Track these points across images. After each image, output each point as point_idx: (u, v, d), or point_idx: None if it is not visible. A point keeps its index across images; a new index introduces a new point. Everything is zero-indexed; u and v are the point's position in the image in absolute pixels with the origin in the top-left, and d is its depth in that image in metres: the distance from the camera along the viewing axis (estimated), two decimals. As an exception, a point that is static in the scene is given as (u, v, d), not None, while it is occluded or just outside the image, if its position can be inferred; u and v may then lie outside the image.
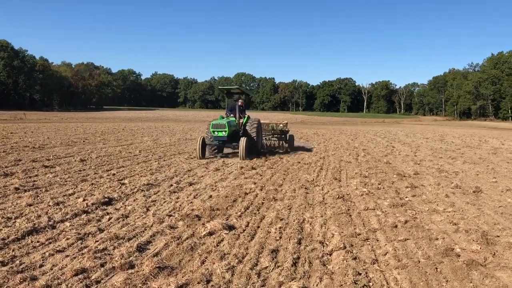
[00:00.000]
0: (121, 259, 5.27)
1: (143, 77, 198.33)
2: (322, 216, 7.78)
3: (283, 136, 20.58)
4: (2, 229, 6.33)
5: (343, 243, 6.07)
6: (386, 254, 5.79)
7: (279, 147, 20.48)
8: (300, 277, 4.94)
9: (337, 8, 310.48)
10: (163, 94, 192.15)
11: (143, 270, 4.94)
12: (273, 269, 5.17)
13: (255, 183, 11.06)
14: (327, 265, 5.34)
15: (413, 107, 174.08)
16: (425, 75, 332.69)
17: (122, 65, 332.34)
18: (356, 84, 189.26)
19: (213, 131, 16.31)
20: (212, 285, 4.62)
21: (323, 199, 9.36)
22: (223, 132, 16.15)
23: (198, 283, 4.65)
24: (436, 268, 5.25)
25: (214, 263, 5.24)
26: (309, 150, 21.11)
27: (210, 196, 9.29)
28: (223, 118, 17.57)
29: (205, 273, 4.90)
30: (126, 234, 6.36)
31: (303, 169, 13.95)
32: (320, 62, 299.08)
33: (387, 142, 27.51)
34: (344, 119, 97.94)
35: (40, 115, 67.90)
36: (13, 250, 5.50)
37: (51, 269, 4.94)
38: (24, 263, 5.10)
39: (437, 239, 6.45)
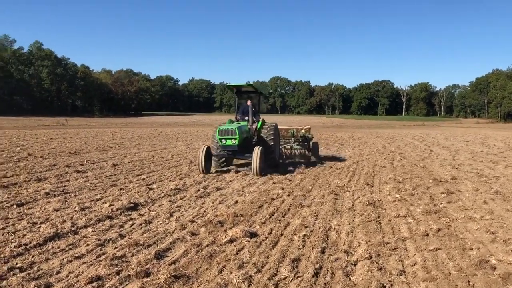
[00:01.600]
0: (138, 266, 5.18)
1: (180, 83, 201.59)
2: (349, 224, 7.48)
3: (305, 143, 17.38)
4: (26, 234, 6.39)
5: (369, 253, 5.77)
6: (414, 265, 5.44)
7: (301, 157, 17.33)
8: (320, 288, 4.69)
9: (374, 8, 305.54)
10: (199, 99, 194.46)
11: (158, 279, 4.82)
12: (292, 279, 4.94)
13: (283, 188, 10.85)
14: (350, 276, 5.07)
15: (454, 109, 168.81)
16: (466, 76, 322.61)
17: (160, 72, 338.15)
18: (394, 86, 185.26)
19: (220, 139, 13.05)
20: (226, 297, 4.45)
21: (353, 205, 9.03)
22: (232, 140, 12.89)
23: (211, 292, 4.49)
24: (469, 281, 4.88)
25: (231, 272, 5.06)
26: (342, 154, 20.65)
27: (236, 202, 9.14)
28: (232, 122, 14.63)
29: (220, 283, 4.73)
30: (146, 240, 6.28)
31: (335, 174, 13.61)
32: (356, 64, 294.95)
33: (425, 145, 26.63)
34: (382, 122, 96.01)
35: (81, 120, 69.98)
36: (33, 256, 5.52)
37: (67, 276, 4.90)
38: (41, 269, 5.08)
39: (471, 249, 6.04)
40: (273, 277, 4.99)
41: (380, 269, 5.24)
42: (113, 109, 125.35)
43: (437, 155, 20.21)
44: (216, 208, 8.55)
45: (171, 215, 7.87)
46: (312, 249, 6.04)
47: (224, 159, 14.42)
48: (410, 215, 8.08)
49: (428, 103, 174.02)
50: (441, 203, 9.14)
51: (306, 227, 7.22)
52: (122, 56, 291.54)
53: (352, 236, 6.72)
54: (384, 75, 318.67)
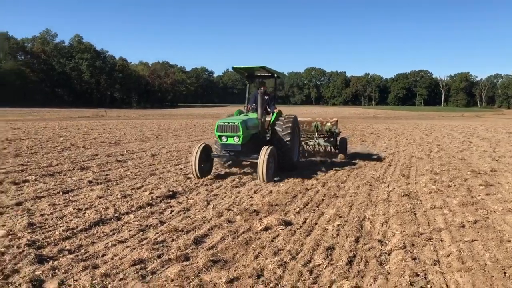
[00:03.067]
0: (178, 251, 5.42)
1: (215, 75, 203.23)
2: (384, 214, 7.51)
3: (331, 139, 15.04)
4: (72, 220, 6.77)
5: (404, 243, 5.81)
6: (449, 255, 5.45)
7: (326, 155, 14.99)
8: (353, 276, 4.79)
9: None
10: (234, 90, 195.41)
11: (197, 263, 5.05)
12: (326, 266, 5.06)
13: (317, 179, 10.92)
14: (384, 265, 5.14)
15: (496, 100, 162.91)
16: (509, 66, 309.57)
17: (196, 63, 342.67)
18: (433, 76, 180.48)
19: (219, 136, 10.52)
20: (262, 280, 4.62)
21: (388, 196, 9.02)
22: (234, 137, 10.33)
23: (249, 277, 4.66)
24: (505, 273, 4.86)
25: (267, 258, 5.23)
26: (378, 145, 20.44)
27: (271, 192, 9.29)
28: (241, 113, 12.24)
29: (256, 268, 4.91)
30: (185, 226, 6.54)
31: (370, 166, 13.54)
32: (393, 54, 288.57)
33: (464, 137, 25.95)
34: (420, 113, 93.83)
35: (119, 112, 71.76)
36: (80, 240, 5.86)
37: (112, 258, 5.20)
38: (88, 252, 5.41)
39: (509, 241, 5.97)
40: (308, 264, 5.12)
41: (414, 259, 5.29)
42: (150, 100, 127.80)
43: (476, 146, 19.69)
44: (251, 197, 8.74)
45: (208, 203, 8.11)
46: (346, 238, 6.13)
47: (229, 159, 11.56)
48: (446, 206, 8.01)
49: (468, 94, 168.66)
50: (479, 195, 9.00)
51: (340, 217, 7.31)
52: (158, 49, 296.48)
53: (386, 226, 6.76)
54: (422, 65, 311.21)
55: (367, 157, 15.59)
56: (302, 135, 14.44)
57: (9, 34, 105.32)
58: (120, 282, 4.51)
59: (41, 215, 7.00)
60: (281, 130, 11.54)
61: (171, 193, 8.79)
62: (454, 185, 10.06)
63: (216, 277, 4.63)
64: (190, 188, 9.48)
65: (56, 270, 4.74)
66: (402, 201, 8.42)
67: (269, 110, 12.31)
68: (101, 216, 6.91)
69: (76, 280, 4.50)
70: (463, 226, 6.68)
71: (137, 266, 4.91)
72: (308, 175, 11.48)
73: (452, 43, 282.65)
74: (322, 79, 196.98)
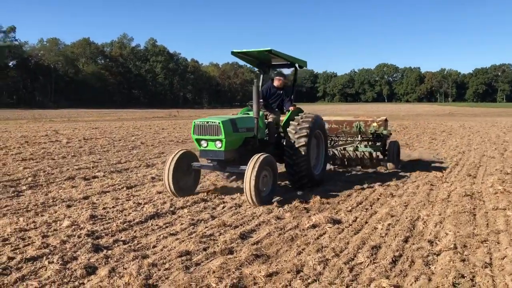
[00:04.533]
0: (223, 244, 5.62)
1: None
2: (440, 215, 7.23)
3: (378, 144, 12.06)
4: (131, 213, 7.21)
5: (455, 244, 5.58)
6: (503, 258, 5.15)
7: (371, 164, 12.10)
8: (395, 275, 4.70)
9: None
10: (302, 89, 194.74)
11: (240, 256, 5.20)
12: (368, 265, 5.00)
13: (375, 178, 10.70)
14: (429, 265, 4.98)
15: None
16: None
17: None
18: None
19: (197, 140, 8.33)
20: (301, 276, 4.66)
21: (448, 196, 8.65)
22: (216, 142, 8.01)
23: (288, 272, 4.73)
24: None
25: (309, 255, 5.27)
26: (448, 144, 19.51)
27: (325, 190, 9.25)
28: (249, 111, 9.40)
29: (297, 264, 4.96)
30: (234, 222, 6.73)
31: (435, 164, 13.01)
32: (471, 47, 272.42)
33: (547, 135, 24.04)
34: (502, 110, 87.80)
35: (191, 112, 74.19)
36: (135, 231, 6.24)
37: (161, 250, 5.50)
38: (140, 243, 5.75)
39: None
40: (350, 262, 5.09)
41: (464, 260, 5.07)
42: (220, 100, 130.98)
43: (559, 145, 18.19)
44: (303, 195, 8.76)
45: (260, 200, 8.25)
46: (395, 237, 6.00)
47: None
48: (511, 208, 7.55)
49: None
50: (551, 197, 8.37)
51: (392, 216, 7.14)
52: (228, 50, 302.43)
53: (440, 227, 6.51)
54: (503, 59, 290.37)
55: (434, 154, 14.92)
56: (342, 139, 12.37)
57: (90, 40, 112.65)
58: (165, 271, 4.76)
59: (104, 208, 7.55)
60: (294, 132, 8.96)
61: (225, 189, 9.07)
62: (524, 186, 9.42)
63: (256, 270, 4.74)
64: (245, 185, 9.67)
65: (109, 259, 5.11)
66: (462, 202, 8.05)
67: (284, 108, 10.01)
68: (157, 210, 7.31)
69: (125, 269, 4.82)
70: (526, 229, 6.27)
71: (183, 258, 5.15)
72: (365, 173, 11.27)
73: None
74: (394, 75, 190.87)
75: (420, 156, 14.42)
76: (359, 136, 12.09)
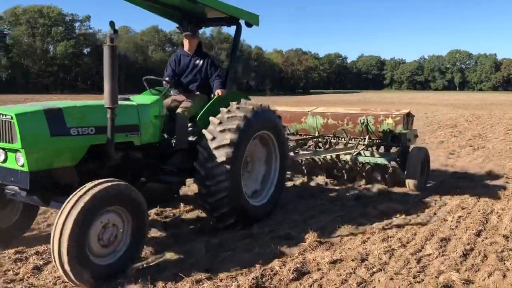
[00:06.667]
0: (288, 229, 5.73)
1: (348, 60, 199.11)
2: (516, 209, 6.82)
3: (391, 151, 8.18)
4: None
5: (534, 240, 5.26)
6: None
7: (383, 180, 8.25)
8: (465, 269, 4.51)
9: None
10: (368, 76, 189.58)
11: (304, 242, 5.22)
12: (436, 257, 4.84)
13: (446, 166, 10.29)
14: (504, 261, 4.72)
15: None
16: None
17: (329, 49, 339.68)
18: None
19: None
20: (365, 264, 4.60)
21: (526, 190, 8.12)
22: (17, 155, 4.25)
23: (352, 260, 4.69)
24: None
25: (374, 244, 5.19)
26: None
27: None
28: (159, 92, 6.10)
29: (361, 252, 4.91)
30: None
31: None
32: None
33: None
34: None
35: (254, 99, 74.47)
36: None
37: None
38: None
39: None
40: (417, 253, 4.95)
41: (544, 258, 4.77)
42: (283, 87, 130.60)
43: None
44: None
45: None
46: (466, 230, 5.74)
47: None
48: None
49: None
50: None
51: (463, 208, 6.84)
52: (292, 36, 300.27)
53: (516, 222, 6.15)
54: None
55: (506, 146, 13.97)
56: (343, 140, 8.52)
57: (159, 28, 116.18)
58: (229, 252, 4.91)
59: None
60: (211, 138, 5.41)
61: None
62: None
63: (319, 256, 4.74)
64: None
65: None
66: (543, 196, 7.54)
67: (213, 89, 6.13)
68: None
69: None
70: None
71: (247, 240, 5.30)
72: (438, 164, 10.83)
73: None
74: (467, 62, 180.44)
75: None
76: (366, 137, 8.08)
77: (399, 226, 5.96)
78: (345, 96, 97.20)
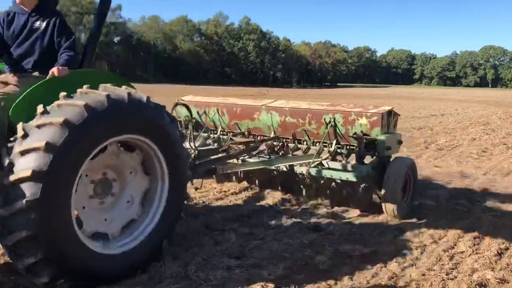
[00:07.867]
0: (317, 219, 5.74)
1: (378, 54, 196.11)
2: (555, 209, 6.62)
3: (365, 164, 5.83)
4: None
5: None
6: None
7: (350, 202, 6.11)
8: (500, 268, 4.42)
9: None
10: (398, 70, 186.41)
11: (333, 234, 5.24)
12: (470, 254, 4.75)
13: (479, 167, 10.03)
14: (543, 263, 4.60)
15: None
16: None
17: (359, 42, 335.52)
18: None
19: None
20: (397, 259, 4.57)
21: None
22: None
23: (384, 254, 4.67)
24: None
25: (405, 239, 5.15)
26: None
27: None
28: None
29: (392, 248, 4.88)
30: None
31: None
32: None
33: None
34: None
35: (280, 91, 74.19)
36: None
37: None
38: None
39: None
40: (449, 250, 4.87)
41: None
42: (310, 80, 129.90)
43: None
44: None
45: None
46: (501, 229, 5.63)
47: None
48: None
49: None
50: None
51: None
52: (322, 29, 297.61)
53: (555, 222, 5.98)
54: None
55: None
56: (302, 143, 6.51)
57: (188, 18, 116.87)
58: (259, 241, 4.94)
59: None
60: (6, 163, 3.20)
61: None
62: None
63: (350, 249, 4.74)
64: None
65: None
66: None
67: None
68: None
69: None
70: None
71: (275, 230, 5.33)
72: (466, 162, 10.60)
73: None
74: (502, 59, 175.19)
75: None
76: (333, 142, 6.04)
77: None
78: (373, 90, 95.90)
